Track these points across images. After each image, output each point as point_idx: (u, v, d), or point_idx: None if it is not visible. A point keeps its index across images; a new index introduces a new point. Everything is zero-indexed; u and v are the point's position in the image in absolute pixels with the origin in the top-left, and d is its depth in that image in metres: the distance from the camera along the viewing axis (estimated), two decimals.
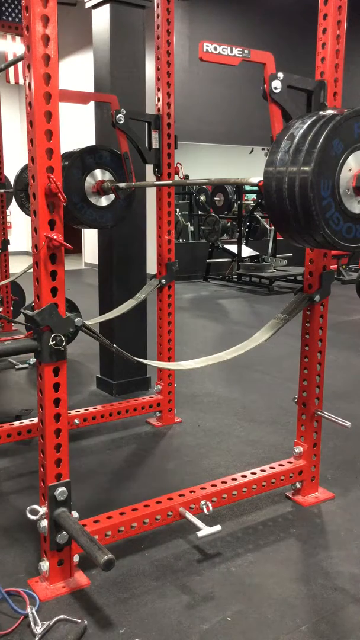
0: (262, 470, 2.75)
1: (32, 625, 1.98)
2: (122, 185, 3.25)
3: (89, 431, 3.65)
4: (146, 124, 3.44)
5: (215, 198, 10.31)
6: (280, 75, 2.21)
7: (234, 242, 10.28)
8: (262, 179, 2.09)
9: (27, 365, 4.58)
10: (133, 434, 3.67)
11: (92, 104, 3.69)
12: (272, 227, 10.20)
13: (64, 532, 2.15)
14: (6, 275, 5.82)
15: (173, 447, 3.50)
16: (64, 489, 2.16)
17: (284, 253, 9.93)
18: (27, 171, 2.72)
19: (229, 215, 10.38)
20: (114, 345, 2.40)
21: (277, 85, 2.21)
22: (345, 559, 2.38)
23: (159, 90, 3.42)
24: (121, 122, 3.19)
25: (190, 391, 4.40)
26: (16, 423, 3.32)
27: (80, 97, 3.30)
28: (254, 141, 11.07)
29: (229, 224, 11.05)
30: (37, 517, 2.15)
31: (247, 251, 10.06)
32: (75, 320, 2.09)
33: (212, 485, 2.60)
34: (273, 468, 2.77)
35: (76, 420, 3.42)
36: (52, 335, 2.03)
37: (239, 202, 9.95)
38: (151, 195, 3.78)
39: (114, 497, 2.88)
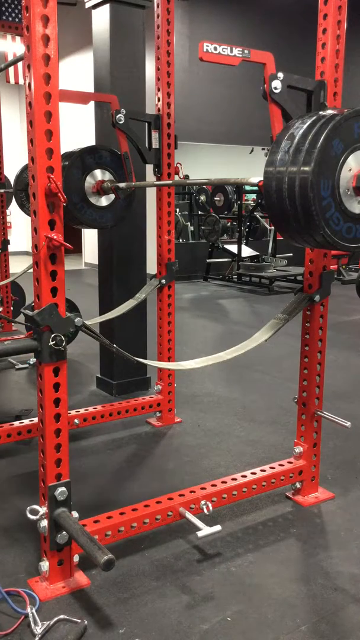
0: (262, 470, 2.75)
1: (32, 625, 1.98)
2: (122, 185, 3.25)
3: (89, 431, 3.65)
4: (146, 124, 3.44)
5: (215, 198, 10.31)
6: (280, 75, 2.21)
7: (234, 242, 10.28)
8: (262, 179, 2.09)
9: (27, 365, 4.58)
10: (133, 434, 3.67)
11: (92, 104, 3.69)
12: (272, 227, 10.19)
13: (64, 532, 2.15)
14: (6, 275, 5.83)
15: (173, 447, 3.50)
16: (64, 489, 2.16)
17: (284, 253, 9.93)
18: (27, 171, 2.72)
19: (229, 215, 10.38)
20: (114, 345, 2.40)
21: (277, 85, 2.21)
22: (345, 559, 2.38)
23: (159, 90, 3.42)
24: (121, 122, 3.19)
25: (190, 391, 4.40)
26: (16, 423, 3.32)
27: (80, 97, 3.30)
28: (254, 141, 11.07)
29: (229, 224, 11.04)
30: (37, 517, 2.15)
31: (247, 251, 10.06)
32: (75, 320, 2.10)
33: (212, 485, 2.60)
34: (273, 468, 2.77)
35: (76, 420, 3.42)
36: (52, 335, 2.03)
37: (239, 202, 9.95)
38: (151, 195, 3.78)
39: (114, 497, 2.88)
